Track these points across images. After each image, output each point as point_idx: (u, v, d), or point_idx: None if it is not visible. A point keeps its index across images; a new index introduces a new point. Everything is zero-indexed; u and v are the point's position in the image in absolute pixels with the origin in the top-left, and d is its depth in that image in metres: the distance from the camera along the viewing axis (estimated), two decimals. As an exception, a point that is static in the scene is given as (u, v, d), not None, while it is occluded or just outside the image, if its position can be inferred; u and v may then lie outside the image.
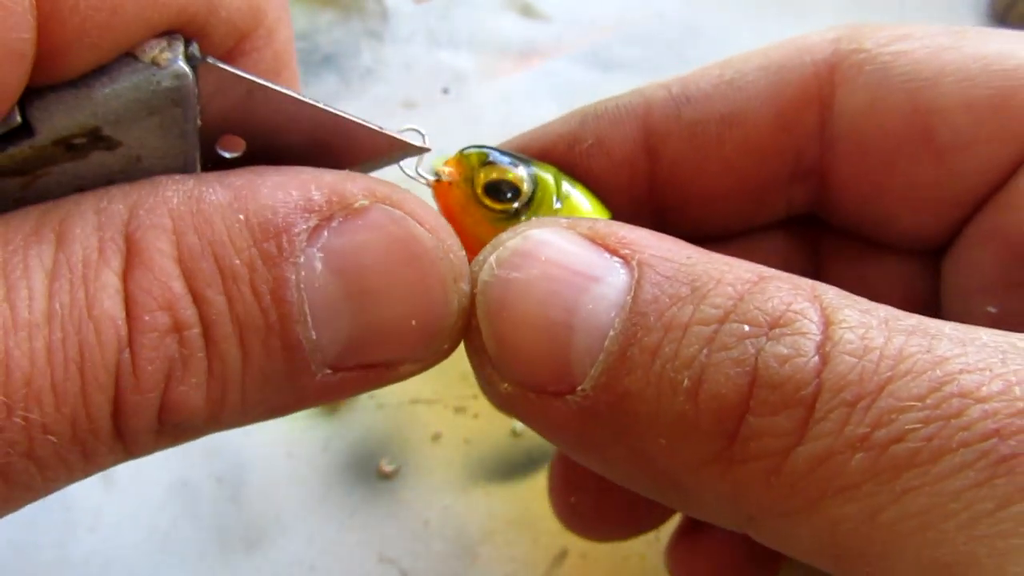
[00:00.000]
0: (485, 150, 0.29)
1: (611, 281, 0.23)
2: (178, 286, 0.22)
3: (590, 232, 0.24)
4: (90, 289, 0.21)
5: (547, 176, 0.29)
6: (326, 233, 0.23)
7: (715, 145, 0.30)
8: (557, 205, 0.29)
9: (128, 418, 0.21)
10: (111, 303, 0.21)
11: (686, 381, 0.21)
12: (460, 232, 0.27)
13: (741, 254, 0.34)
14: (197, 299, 0.22)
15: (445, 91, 0.69)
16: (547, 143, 0.31)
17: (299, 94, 0.25)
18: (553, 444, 0.26)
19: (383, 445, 0.49)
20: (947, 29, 0.28)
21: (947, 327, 0.21)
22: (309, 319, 0.23)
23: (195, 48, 0.23)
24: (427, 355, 0.25)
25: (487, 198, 0.29)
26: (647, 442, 0.22)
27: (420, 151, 0.28)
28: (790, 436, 0.20)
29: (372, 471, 0.48)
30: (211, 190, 0.22)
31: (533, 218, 0.27)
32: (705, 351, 0.21)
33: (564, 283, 0.23)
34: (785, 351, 0.20)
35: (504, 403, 0.25)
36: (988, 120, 0.27)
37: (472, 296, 0.25)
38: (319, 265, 0.23)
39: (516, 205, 0.28)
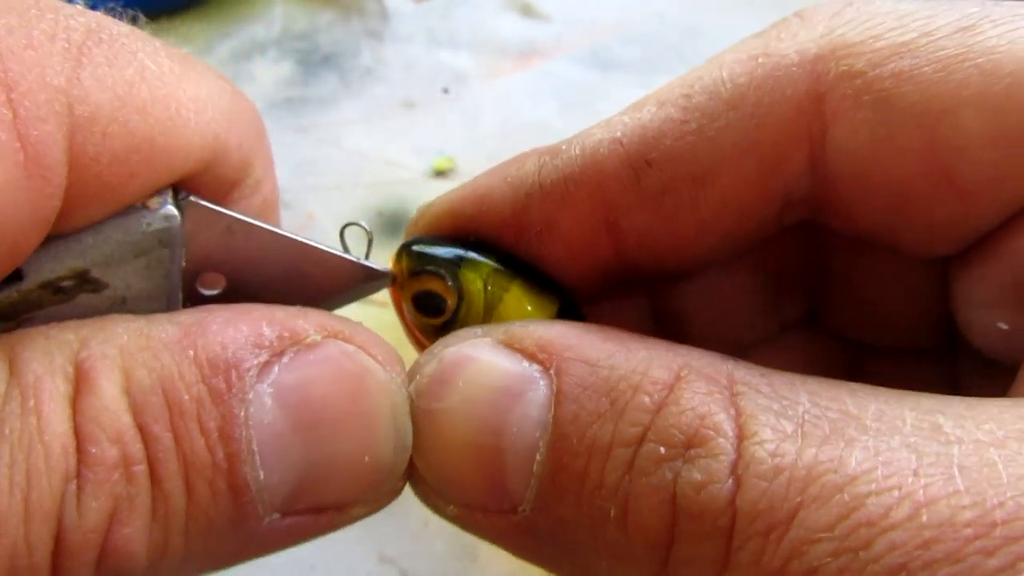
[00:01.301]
0: (416, 251, 0.27)
1: (531, 397, 0.22)
2: (127, 419, 0.21)
3: (506, 339, 0.23)
4: (43, 412, 0.20)
5: (478, 282, 0.27)
6: (276, 369, 0.22)
7: (688, 211, 0.26)
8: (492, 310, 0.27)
9: (66, 559, 0.20)
10: (63, 429, 0.20)
11: (613, 510, 0.21)
12: (409, 334, 0.27)
13: (732, 272, 0.31)
14: (144, 434, 0.21)
15: (445, 91, 0.69)
16: (494, 224, 0.28)
17: (276, 227, 0.25)
18: None
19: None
20: (950, 21, 0.24)
21: (869, 414, 0.20)
22: (257, 458, 0.22)
23: (183, 192, 0.23)
24: (379, 495, 0.24)
25: (416, 311, 0.27)
26: (590, 562, 0.22)
27: (384, 277, 0.27)
28: (715, 564, 0.20)
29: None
30: (160, 328, 0.22)
31: (451, 334, 0.25)
32: (627, 477, 0.21)
33: (486, 405, 0.23)
34: (699, 477, 0.20)
35: (455, 522, 0.24)
36: (1017, 153, 0.23)
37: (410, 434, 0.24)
38: (268, 401, 0.22)
39: (444, 319, 0.27)
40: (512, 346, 0.23)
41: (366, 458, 0.23)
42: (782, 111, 0.24)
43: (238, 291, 0.25)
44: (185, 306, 0.24)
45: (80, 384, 0.21)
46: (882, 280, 0.31)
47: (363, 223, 0.28)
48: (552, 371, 0.23)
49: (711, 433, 0.20)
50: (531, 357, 0.23)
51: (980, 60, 0.23)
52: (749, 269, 0.31)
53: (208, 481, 0.21)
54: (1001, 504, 0.18)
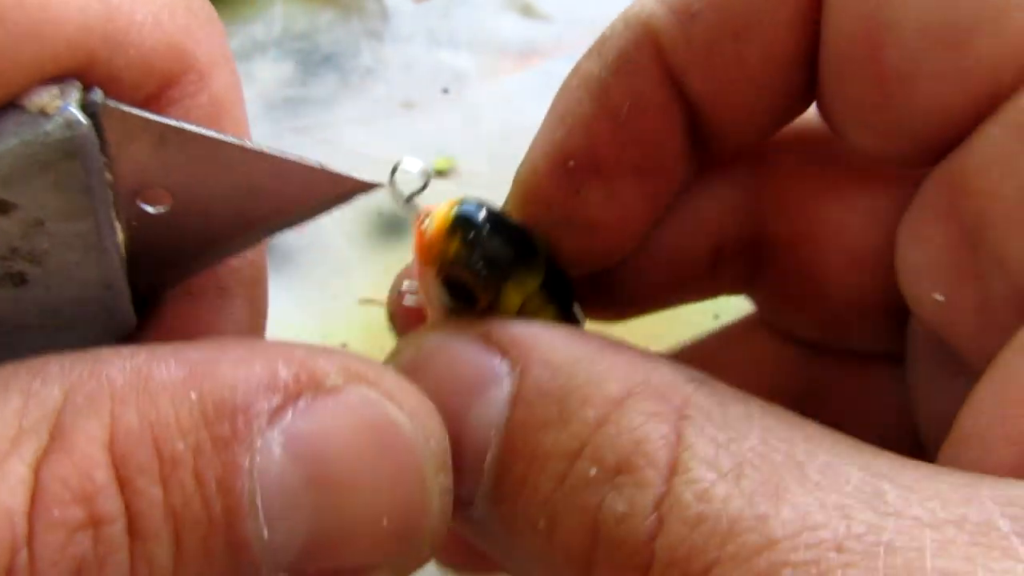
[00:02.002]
0: (470, 241, 0.24)
1: (493, 395, 0.22)
2: (102, 475, 0.19)
3: (485, 331, 0.23)
4: None
5: (517, 299, 0.25)
6: (290, 414, 0.20)
7: (735, 67, 0.25)
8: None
9: None
10: (10, 495, 0.18)
11: (542, 522, 0.21)
12: (419, 267, 0.24)
13: (675, 254, 0.31)
14: (125, 489, 0.19)
15: (445, 91, 0.69)
16: (584, 135, 0.26)
17: (224, 135, 0.22)
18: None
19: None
20: None
21: (815, 464, 0.19)
22: (261, 513, 0.19)
23: (97, 94, 0.20)
24: (403, 561, 0.22)
25: (442, 287, 0.24)
26: (527, 567, 0.22)
27: (370, 187, 0.24)
28: None
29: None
30: (163, 366, 0.20)
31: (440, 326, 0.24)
32: (559, 492, 0.20)
33: (453, 396, 0.22)
34: (622, 508, 0.19)
35: None
36: (941, 53, 0.22)
37: (451, 490, 0.22)
38: (278, 451, 0.20)
39: (466, 308, 0.25)
40: (489, 339, 0.23)
41: (384, 521, 0.21)
42: None
43: (188, 208, 0.22)
44: (129, 226, 0.22)
45: (52, 441, 0.19)
46: (831, 225, 0.29)
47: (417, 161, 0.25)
48: (517, 370, 0.22)
49: (642, 463, 0.19)
50: (504, 352, 0.22)
51: None
52: (693, 232, 0.30)
53: (202, 538, 0.19)
54: None
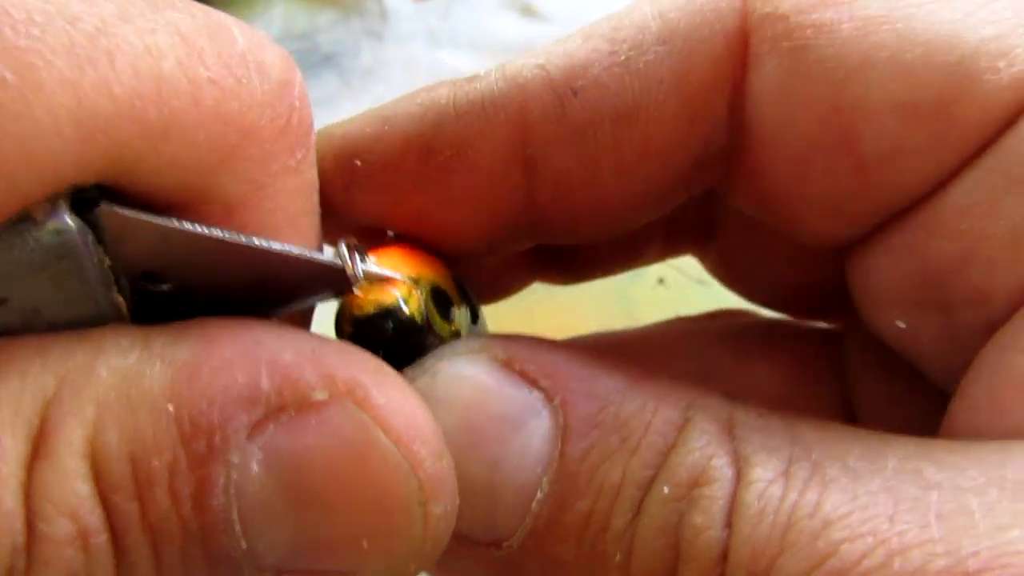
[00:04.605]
0: (379, 332, 0.23)
1: (534, 428, 0.21)
2: (84, 488, 0.18)
3: (507, 358, 0.22)
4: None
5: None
6: (272, 428, 0.19)
7: (609, 150, 0.24)
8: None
9: None
10: (12, 502, 0.18)
11: (618, 555, 0.20)
12: None
13: (627, 247, 0.31)
14: (106, 504, 0.19)
15: (445, 91, 0.69)
16: (392, 153, 0.24)
17: (227, 232, 0.21)
18: None
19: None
20: None
21: (852, 456, 0.20)
22: (238, 527, 0.19)
23: (93, 191, 0.20)
24: (389, 571, 0.21)
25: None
26: None
27: (351, 284, 0.23)
28: None
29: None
30: (151, 370, 0.19)
31: (446, 345, 0.23)
32: (635, 520, 0.20)
33: (484, 433, 0.21)
34: (700, 520, 0.20)
35: None
36: (921, 128, 0.22)
37: (449, 516, 0.21)
38: (255, 468, 0.19)
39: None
40: (513, 368, 0.22)
41: (364, 543, 0.20)
42: (710, 48, 0.23)
43: (191, 290, 0.22)
44: (132, 299, 0.22)
45: (40, 446, 0.18)
46: (778, 259, 0.30)
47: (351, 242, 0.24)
48: (556, 402, 0.21)
49: (715, 473, 0.20)
50: (533, 383, 0.22)
51: (899, 25, 0.22)
52: (647, 196, 0.29)
53: (180, 550, 0.19)
54: (975, 554, 0.18)
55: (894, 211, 0.24)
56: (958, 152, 0.22)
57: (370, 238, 0.25)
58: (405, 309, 0.23)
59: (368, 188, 0.25)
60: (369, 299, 0.23)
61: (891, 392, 0.28)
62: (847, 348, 0.30)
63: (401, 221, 0.26)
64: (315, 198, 0.23)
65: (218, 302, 0.22)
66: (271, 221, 0.22)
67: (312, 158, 0.23)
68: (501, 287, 0.32)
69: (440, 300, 0.24)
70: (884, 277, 0.25)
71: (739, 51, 0.23)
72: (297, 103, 0.21)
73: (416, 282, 0.24)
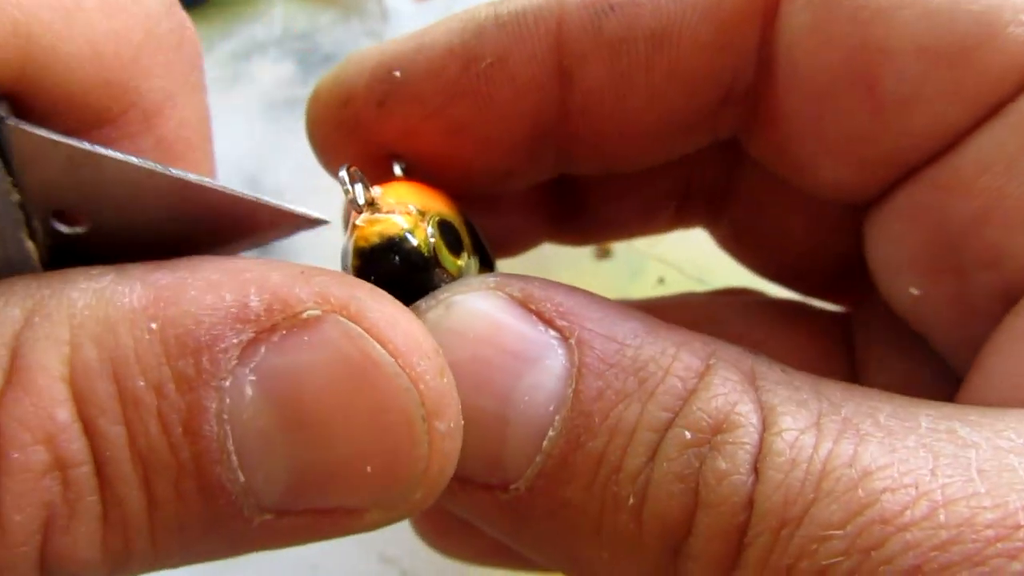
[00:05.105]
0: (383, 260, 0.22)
1: (549, 365, 0.20)
2: (63, 414, 0.17)
3: (523, 296, 0.21)
4: None
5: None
6: (263, 350, 0.18)
7: (641, 69, 0.24)
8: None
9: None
10: None
11: (631, 499, 0.20)
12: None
13: (645, 184, 0.31)
14: (89, 430, 0.17)
15: (445, 91, 0.69)
16: (434, 61, 0.24)
17: (142, 160, 0.20)
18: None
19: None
20: None
21: (883, 414, 0.19)
22: (234, 458, 0.18)
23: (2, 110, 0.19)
24: (394, 506, 0.20)
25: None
26: (587, 552, 0.21)
27: (315, 224, 0.22)
28: (724, 561, 0.19)
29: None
30: (127, 290, 0.18)
31: (460, 280, 0.22)
32: (650, 464, 0.20)
33: (496, 368, 0.21)
34: (724, 466, 0.19)
35: None
36: (942, 73, 0.22)
37: (454, 436, 0.20)
38: (249, 391, 0.18)
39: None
40: (528, 306, 0.21)
41: (367, 467, 0.19)
42: None
43: (108, 230, 0.21)
44: (44, 244, 0.20)
45: (11, 375, 0.17)
46: (794, 222, 0.29)
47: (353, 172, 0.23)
48: (572, 341, 0.21)
49: (740, 419, 0.19)
50: (548, 322, 0.21)
51: None
52: (657, 175, 0.30)
53: (172, 483, 0.18)
54: None
55: (912, 164, 0.23)
56: (977, 102, 0.22)
57: (376, 177, 0.25)
58: (412, 240, 0.22)
59: (406, 99, 0.25)
60: (373, 230, 0.22)
61: (899, 372, 0.27)
62: (855, 328, 0.30)
63: (433, 138, 0.25)
64: (210, 131, 0.23)
65: (138, 250, 0.20)
66: (182, 137, 0.21)
67: (205, 84, 0.22)
68: (512, 241, 0.31)
69: (449, 234, 0.23)
70: (900, 238, 0.24)
71: None
72: (188, 24, 0.22)
73: (423, 214, 0.23)
